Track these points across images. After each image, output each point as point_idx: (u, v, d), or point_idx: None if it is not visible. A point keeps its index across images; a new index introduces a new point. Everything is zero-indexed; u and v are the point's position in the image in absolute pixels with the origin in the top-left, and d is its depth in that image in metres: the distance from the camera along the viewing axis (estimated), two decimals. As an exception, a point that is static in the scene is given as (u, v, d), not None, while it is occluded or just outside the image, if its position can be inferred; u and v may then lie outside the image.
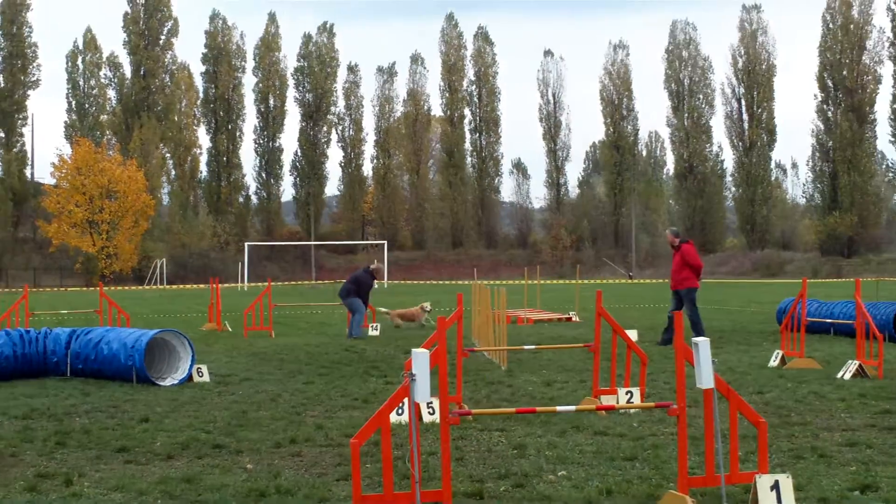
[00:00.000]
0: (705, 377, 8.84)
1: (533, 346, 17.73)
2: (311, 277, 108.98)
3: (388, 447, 8.55)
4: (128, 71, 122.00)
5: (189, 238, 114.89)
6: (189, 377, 18.72)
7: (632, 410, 14.30)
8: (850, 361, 18.43)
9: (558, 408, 10.58)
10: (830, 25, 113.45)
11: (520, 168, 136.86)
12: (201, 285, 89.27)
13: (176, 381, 18.48)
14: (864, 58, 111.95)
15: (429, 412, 13.76)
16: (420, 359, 8.38)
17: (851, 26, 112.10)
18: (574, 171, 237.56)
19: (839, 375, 18.06)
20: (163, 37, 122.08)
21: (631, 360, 15.45)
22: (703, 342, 8.85)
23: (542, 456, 11.54)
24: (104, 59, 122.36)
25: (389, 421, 8.55)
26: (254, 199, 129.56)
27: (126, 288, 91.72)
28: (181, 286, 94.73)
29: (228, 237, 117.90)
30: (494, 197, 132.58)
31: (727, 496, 9.07)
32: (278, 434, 13.14)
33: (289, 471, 11.02)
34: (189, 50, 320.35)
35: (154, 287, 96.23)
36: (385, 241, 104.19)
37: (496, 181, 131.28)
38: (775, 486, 8.79)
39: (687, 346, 9.06)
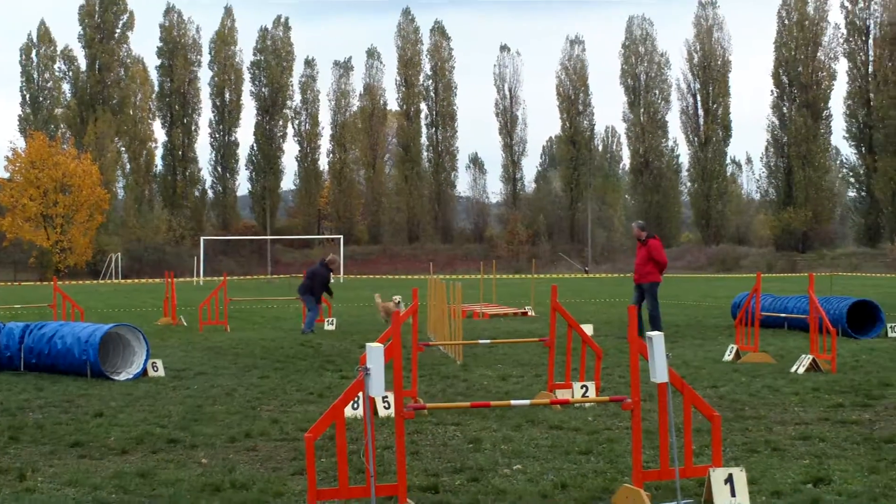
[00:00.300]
0: (659, 371, 8.88)
1: (488, 341, 17.74)
2: (267, 272, 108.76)
3: (342, 441, 8.55)
4: (83, 64, 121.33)
5: (144, 232, 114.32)
6: (144, 372, 18.65)
7: (587, 404, 14.33)
8: (803, 356, 18.55)
9: (513, 402, 10.60)
10: (786, 22, 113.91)
11: (476, 163, 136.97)
12: (157, 279, 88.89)
13: (131, 376, 18.41)
14: (818, 54, 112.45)
15: (384, 406, 13.75)
16: (374, 353, 8.38)
17: (806, 22, 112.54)
18: (531, 166, 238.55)
19: (793, 370, 18.17)
20: (118, 30, 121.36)
21: (586, 355, 15.49)
22: (657, 336, 8.88)
23: (497, 450, 11.56)
24: (59, 53, 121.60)
25: (344, 415, 8.54)
26: (209, 193, 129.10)
27: (81, 282, 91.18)
28: (136, 280, 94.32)
29: (184, 231, 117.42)
30: (451, 191, 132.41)
31: (682, 489, 9.11)
32: (233, 428, 13.12)
33: (244, 465, 11.00)
34: (144, 44, 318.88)
35: (109, 281, 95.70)
36: (341, 236, 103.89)
37: (452, 176, 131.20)
38: (729, 480, 8.84)
39: (641, 340, 9.09)
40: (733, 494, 8.79)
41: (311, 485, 8.30)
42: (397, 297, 31.58)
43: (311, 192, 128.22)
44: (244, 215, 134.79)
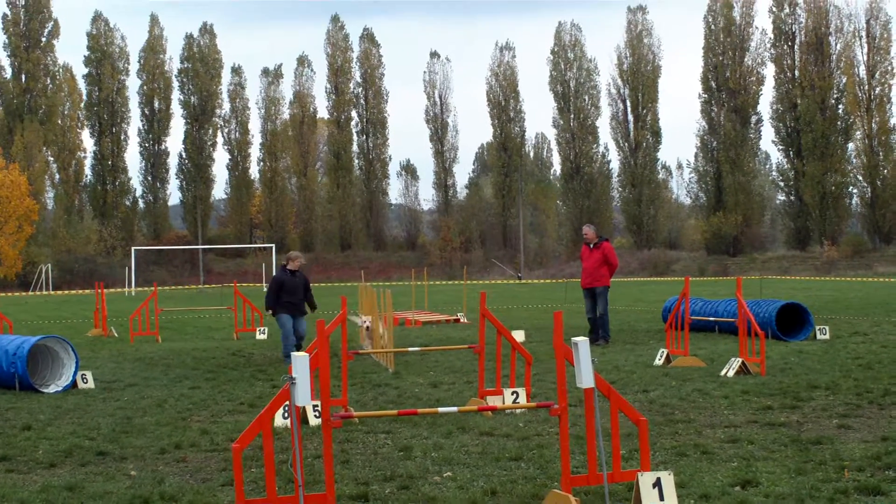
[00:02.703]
0: (585, 376, 8.92)
1: (418, 348, 17.76)
2: (200, 282, 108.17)
3: (269, 451, 8.53)
4: (8, 73, 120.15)
5: (74, 243, 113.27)
6: (73, 384, 18.53)
7: (518, 411, 14.38)
8: (733, 359, 18.70)
9: (440, 409, 10.62)
10: (713, 27, 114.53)
11: (408, 170, 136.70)
12: (88, 291, 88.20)
13: (60, 388, 18.28)
14: (746, 59, 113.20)
15: (315, 415, 13.74)
16: (300, 363, 8.37)
17: (733, 28, 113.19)
18: (463, 173, 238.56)
19: (723, 373, 18.32)
20: (44, 38, 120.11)
21: (518, 361, 15.53)
22: (582, 342, 8.93)
23: (427, 457, 11.58)
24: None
25: (271, 425, 8.52)
26: (140, 202, 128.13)
27: (11, 294, 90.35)
28: (68, 292, 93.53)
29: (115, 241, 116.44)
30: (382, 199, 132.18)
31: (611, 494, 9.16)
32: (163, 440, 13.07)
33: (173, 477, 10.95)
34: (71, 52, 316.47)
35: (40, 293, 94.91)
36: (273, 245, 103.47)
37: (384, 183, 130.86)
38: (657, 484, 8.89)
39: (567, 346, 9.13)
40: (662, 498, 8.85)
41: (239, 495, 8.28)
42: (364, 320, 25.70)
43: (242, 201, 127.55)
44: (176, 225, 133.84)
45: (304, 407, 13.77)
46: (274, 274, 26.23)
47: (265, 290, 29.13)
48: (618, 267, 26.35)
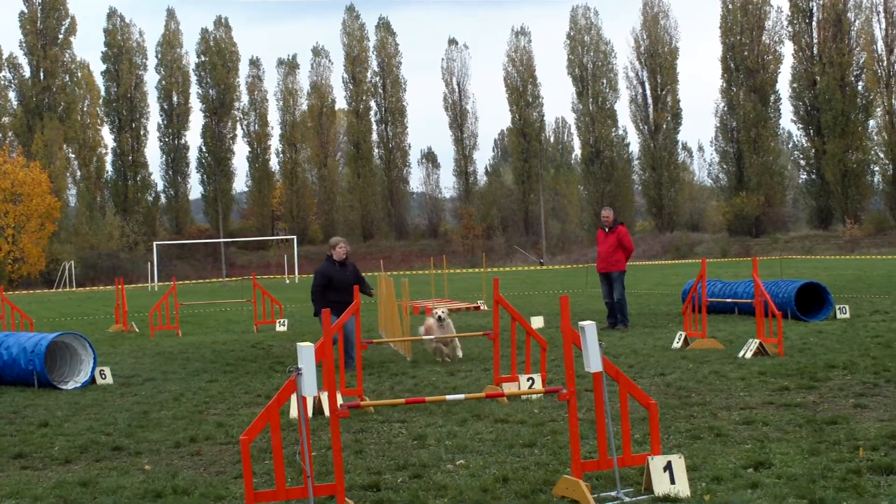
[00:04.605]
0: (593, 361, 8.90)
1: (435, 337, 17.71)
2: (222, 275, 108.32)
3: (278, 442, 8.53)
4: (27, 71, 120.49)
5: (97, 239, 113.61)
6: (92, 380, 18.57)
7: (533, 397, 14.36)
8: (750, 340, 18.64)
9: (448, 397, 10.60)
10: (729, 6, 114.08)
11: (430, 158, 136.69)
12: (111, 287, 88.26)
13: (78, 385, 18.33)
14: (763, 38, 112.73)
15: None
16: (305, 353, 8.36)
17: (750, 7, 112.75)
18: (483, 160, 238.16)
19: (740, 354, 18.28)
20: (61, 36, 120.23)
21: (534, 347, 15.50)
22: (588, 326, 8.90)
23: (441, 446, 11.58)
24: (3, 61, 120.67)
25: (279, 416, 8.51)
26: (162, 197, 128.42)
27: (35, 291, 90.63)
28: (91, 288, 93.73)
29: (137, 237, 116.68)
30: (403, 188, 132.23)
31: (622, 479, 9.14)
32: (178, 434, 13.08)
33: (187, 470, 10.97)
34: (89, 48, 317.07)
35: (64, 290, 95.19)
36: (295, 236, 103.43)
37: (405, 172, 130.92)
38: (668, 467, 8.87)
39: (574, 330, 9.10)
40: (672, 482, 8.82)
41: (248, 487, 8.29)
42: (439, 310, 20.61)
43: (263, 194, 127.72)
44: (197, 219, 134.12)
45: (319, 397, 13.80)
46: (319, 267, 21.11)
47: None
48: (633, 251, 26.25)
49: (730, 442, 11.04)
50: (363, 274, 21.16)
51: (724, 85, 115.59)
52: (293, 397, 9.65)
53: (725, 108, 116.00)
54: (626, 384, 9.25)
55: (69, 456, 12.01)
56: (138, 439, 12.87)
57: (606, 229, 25.73)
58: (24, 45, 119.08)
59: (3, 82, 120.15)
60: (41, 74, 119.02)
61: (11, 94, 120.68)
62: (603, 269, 25.68)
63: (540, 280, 63.10)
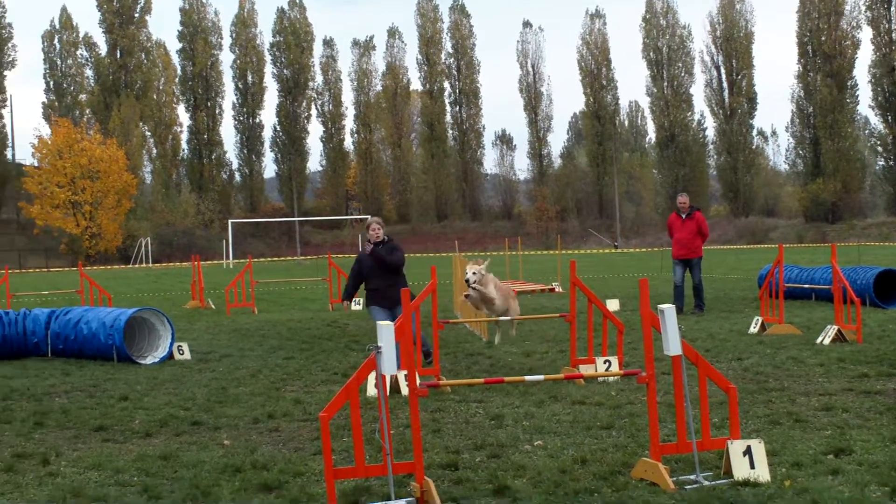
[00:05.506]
0: (672, 344, 8.87)
1: (509, 318, 17.68)
2: (297, 253, 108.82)
3: (357, 420, 8.55)
4: (104, 50, 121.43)
5: (173, 216, 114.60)
6: (170, 355, 18.75)
7: (611, 379, 14.33)
8: (829, 326, 18.48)
9: (527, 377, 10.60)
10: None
11: (504, 139, 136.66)
12: (186, 263, 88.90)
13: (156, 360, 18.51)
14: (841, 23, 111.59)
15: (406, 385, 13.77)
16: (385, 332, 8.39)
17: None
18: (558, 142, 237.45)
19: (818, 341, 18.13)
20: (137, 14, 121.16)
21: (611, 330, 15.47)
22: (668, 309, 8.87)
23: (519, 426, 11.58)
24: (80, 39, 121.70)
25: (358, 394, 8.54)
26: (236, 175, 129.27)
27: (111, 267, 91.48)
28: (167, 264, 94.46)
29: (212, 215, 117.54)
30: (477, 169, 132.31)
31: (701, 462, 9.11)
32: (256, 410, 13.18)
33: (266, 446, 11.05)
34: (165, 28, 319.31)
35: (140, 266, 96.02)
36: (369, 216, 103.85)
37: (479, 153, 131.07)
38: (748, 452, 8.83)
39: (654, 313, 9.08)
40: (752, 466, 8.78)
41: (328, 464, 8.32)
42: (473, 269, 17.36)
43: (337, 173, 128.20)
44: (272, 197, 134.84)
45: (395, 377, 13.84)
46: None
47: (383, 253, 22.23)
48: (708, 237, 26.12)
49: (809, 428, 10.96)
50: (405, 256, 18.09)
51: (801, 70, 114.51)
52: (369, 376, 9.69)
53: (802, 94, 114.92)
54: (706, 368, 9.22)
55: (149, 430, 12.13)
56: (217, 414, 12.97)
57: (683, 215, 25.52)
58: (101, 23, 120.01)
59: (80, 60, 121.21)
60: (118, 53, 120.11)
61: (88, 72, 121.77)
62: (683, 256, 25.40)
63: (614, 263, 62.91)
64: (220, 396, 14.37)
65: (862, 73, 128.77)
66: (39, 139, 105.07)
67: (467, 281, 16.82)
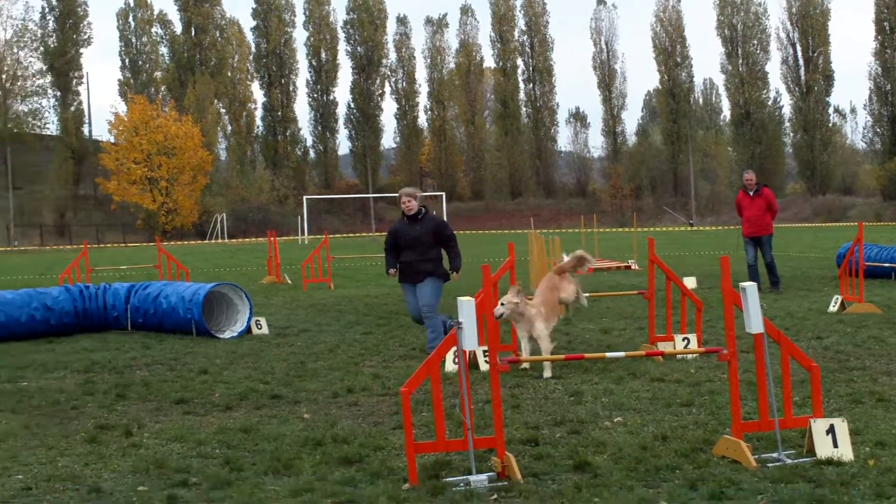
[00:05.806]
0: (755, 322, 8.81)
1: (588, 294, 17.63)
2: (371, 230, 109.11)
3: (438, 395, 8.57)
4: (178, 28, 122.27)
5: (248, 192, 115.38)
6: (248, 329, 18.87)
7: (690, 357, 14.27)
8: (910, 305, 18.31)
9: (608, 354, 10.55)
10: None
11: (578, 117, 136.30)
12: (261, 239, 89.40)
13: (235, 334, 18.63)
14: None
15: (484, 361, 13.78)
16: (466, 307, 8.39)
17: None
18: (632, 120, 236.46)
19: (899, 320, 17.95)
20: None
21: (689, 308, 15.39)
22: (750, 287, 8.81)
23: (598, 403, 11.56)
24: (155, 17, 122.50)
25: (439, 369, 8.55)
26: (311, 152, 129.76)
27: (187, 243, 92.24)
28: (242, 240, 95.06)
29: (287, 191, 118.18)
30: (551, 146, 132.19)
31: (783, 441, 9.05)
32: (335, 384, 13.22)
33: (345, 420, 11.09)
34: (239, 5, 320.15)
35: (215, 241, 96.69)
36: (443, 193, 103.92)
37: (552, 131, 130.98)
38: (831, 430, 8.75)
39: (735, 291, 9.02)
40: (835, 445, 8.71)
41: (409, 438, 8.34)
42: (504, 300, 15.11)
43: (411, 150, 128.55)
44: (346, 174, 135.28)
45: (473, 352, 13.84)
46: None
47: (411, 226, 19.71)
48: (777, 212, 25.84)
49: (892, 407, 10.83)
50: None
51: (878, 47, 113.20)
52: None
53: (880, 71, 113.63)
54: (788, 346, 9.15)
55: (229, 403, 12.21)
56: (296, 388, 13.03)
57: (751, 192, 25.24)
58: (176, 1, 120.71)
59: (155, 38, 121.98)
60: (192, 31, 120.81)
61: (163, 50, 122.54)
62: (753, 233, 25.09)
63: (690, 241, 62.56)
64: (298, 371, 14.44)
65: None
66: (116, 116, 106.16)
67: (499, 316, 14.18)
